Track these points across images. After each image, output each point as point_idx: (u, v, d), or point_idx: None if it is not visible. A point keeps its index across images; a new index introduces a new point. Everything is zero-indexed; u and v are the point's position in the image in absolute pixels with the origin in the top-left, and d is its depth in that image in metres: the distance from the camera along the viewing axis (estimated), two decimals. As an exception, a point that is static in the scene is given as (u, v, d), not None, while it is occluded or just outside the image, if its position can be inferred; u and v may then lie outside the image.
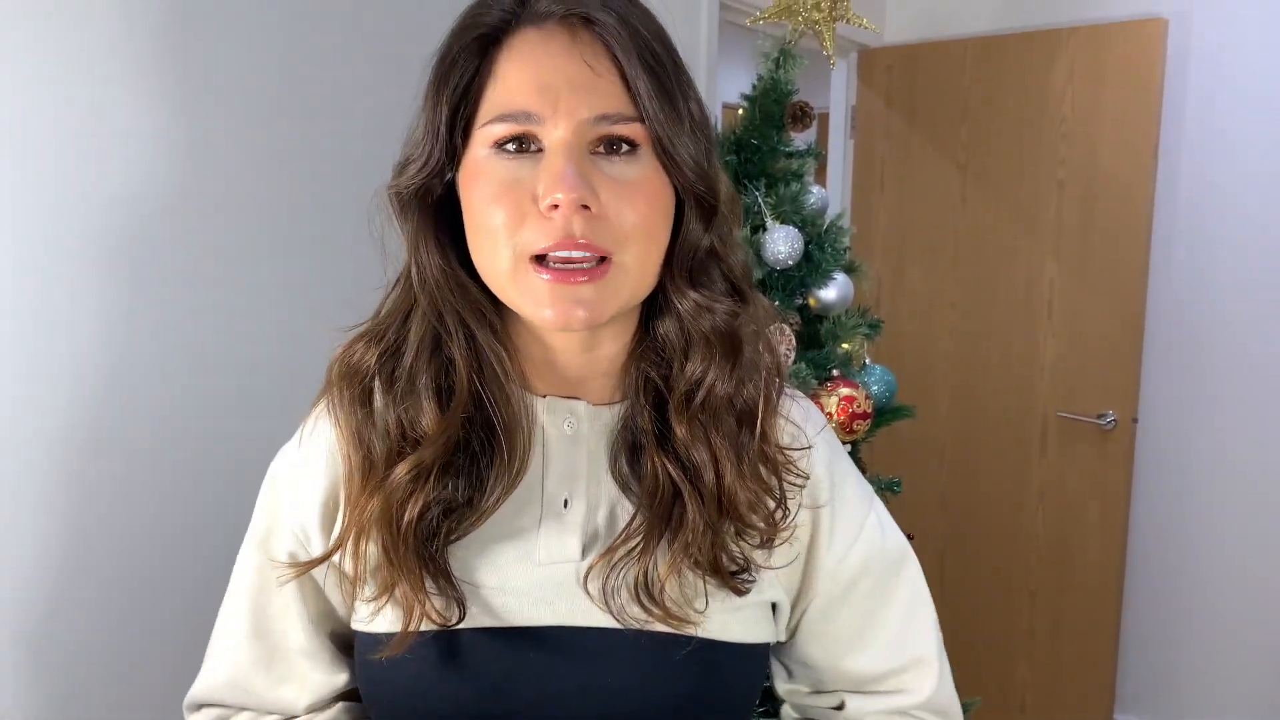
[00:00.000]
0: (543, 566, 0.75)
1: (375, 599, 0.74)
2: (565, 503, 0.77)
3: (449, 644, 0.74)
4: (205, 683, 0.84)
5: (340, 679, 0.82)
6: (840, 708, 0.86)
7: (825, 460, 0.83)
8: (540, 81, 0.68)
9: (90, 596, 1.42)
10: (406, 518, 0.71)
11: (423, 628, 0.73)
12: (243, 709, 0.84)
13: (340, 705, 0.83)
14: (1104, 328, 2.86)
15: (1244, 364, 2.81)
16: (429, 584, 0.72)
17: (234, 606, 0.83)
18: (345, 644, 0.83)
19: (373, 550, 0.74)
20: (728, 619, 0.77)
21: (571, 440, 0.77)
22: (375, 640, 0.75)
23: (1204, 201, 2.82)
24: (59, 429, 1.37)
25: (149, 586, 1.48)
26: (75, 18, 1.33)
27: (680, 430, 0.75)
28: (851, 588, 0.83)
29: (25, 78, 1.29)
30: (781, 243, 1.62)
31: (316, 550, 0.79)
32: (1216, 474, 2.87)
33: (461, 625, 0.73)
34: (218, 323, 1.52)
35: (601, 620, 0.74)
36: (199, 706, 0.85)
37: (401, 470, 0.72)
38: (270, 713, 0.83)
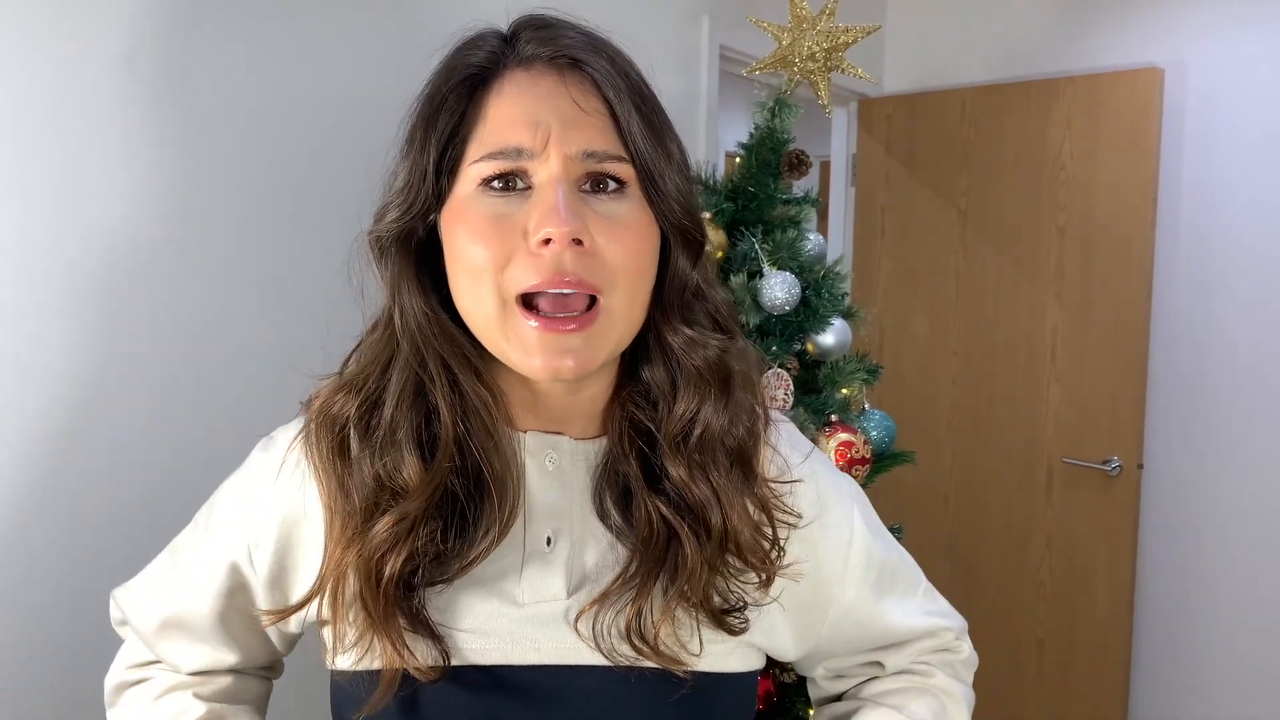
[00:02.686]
0: (526, 607, 0.74)
1: (355, 646, 0.73)
2: (548, 541, 0.75)
3: (430, 687, 0.72)
4: (138, 621, 0.88)
5: (230, 658, 0.86)
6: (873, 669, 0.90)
7: (813, 496, 0.82)
8: (531, 118, 0.68)
9: (63, 643, 1.42)
10: (388, 572, 0.70)
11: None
12: (154, 663, 0.89)
13: (232, 676, 0.87)
14: (1107, 373, 2.86)
15: (1249, 408, 2.80)
16: (410, 638, 0.71)
17: (173, 557, 0.87)
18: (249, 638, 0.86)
19: (350, 598, 0.73)
20: (722, 649, 0.76)
21: (554, 476, 0.76)
22: (357, 683, 0.74)
23: (1204, 246, 2.83)
24: (30, 462, 1.38)
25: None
26: (70, 55, 1.36)
27: (679, 471, 0.73)
28: (861, 588, 0.84)
29: (17, 111, 1.32)
30: (778, 288, 1.63)
31: (259, 578, 0.80)
32: (1224, 519, 2.85)
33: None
34: (197, 358, 1.54)
35: (590, 658, 0.73)
36: (133, 665, 0.90)
37: (384, 524, 0.70)
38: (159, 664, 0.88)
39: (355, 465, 0.73)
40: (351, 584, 0.72)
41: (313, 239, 1.63)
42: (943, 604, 0.95)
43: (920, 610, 0.90)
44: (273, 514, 0.78)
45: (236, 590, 0.81)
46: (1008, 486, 3.05)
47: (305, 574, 0.78)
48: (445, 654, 0.72)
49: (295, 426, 0.80)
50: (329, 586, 0.73)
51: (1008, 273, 3.02)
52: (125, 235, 1.44)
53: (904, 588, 0.89)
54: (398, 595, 0.71)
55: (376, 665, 0.72)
